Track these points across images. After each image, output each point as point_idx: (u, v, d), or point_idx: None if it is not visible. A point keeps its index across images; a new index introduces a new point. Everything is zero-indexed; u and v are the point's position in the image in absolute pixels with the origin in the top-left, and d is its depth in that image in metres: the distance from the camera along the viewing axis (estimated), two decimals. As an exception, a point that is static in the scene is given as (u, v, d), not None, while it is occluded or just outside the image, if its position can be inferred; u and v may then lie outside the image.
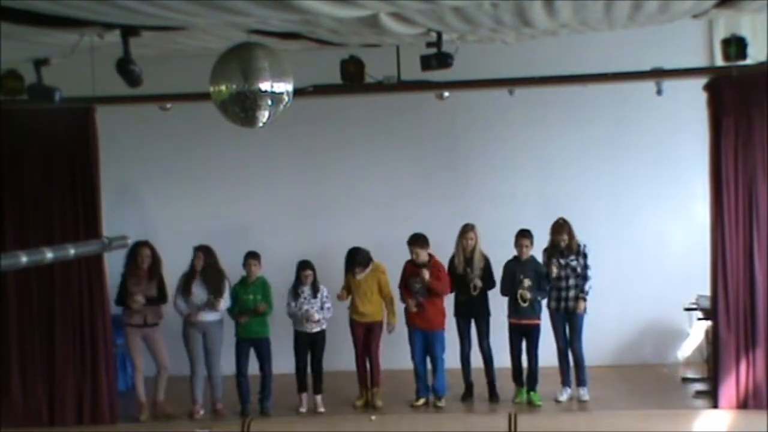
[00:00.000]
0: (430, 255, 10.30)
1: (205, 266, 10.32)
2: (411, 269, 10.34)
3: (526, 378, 10.29)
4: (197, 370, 10.36)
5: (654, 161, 11.79)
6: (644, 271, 11.75)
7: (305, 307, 10.22)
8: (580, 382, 10.29)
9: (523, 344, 10.29)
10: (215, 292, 10.24)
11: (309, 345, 10.32)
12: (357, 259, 10.36)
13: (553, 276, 10.20)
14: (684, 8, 8.40)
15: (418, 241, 10.28)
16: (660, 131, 11.69)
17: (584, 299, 10.20)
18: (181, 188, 12.22)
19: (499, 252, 10.41)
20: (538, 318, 10.28)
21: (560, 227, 10.25)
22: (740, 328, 9.74)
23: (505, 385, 10.37)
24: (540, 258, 10.37)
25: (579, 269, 10.22)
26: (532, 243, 10.26)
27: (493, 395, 10.40)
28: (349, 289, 10.41)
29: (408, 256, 10.38)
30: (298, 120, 10.84)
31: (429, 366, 10.42)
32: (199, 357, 10.33)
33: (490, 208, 11.60)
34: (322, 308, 10.29)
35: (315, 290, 10.31)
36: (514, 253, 10.34)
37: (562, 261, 10.23)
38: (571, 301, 10.24)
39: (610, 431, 9.40)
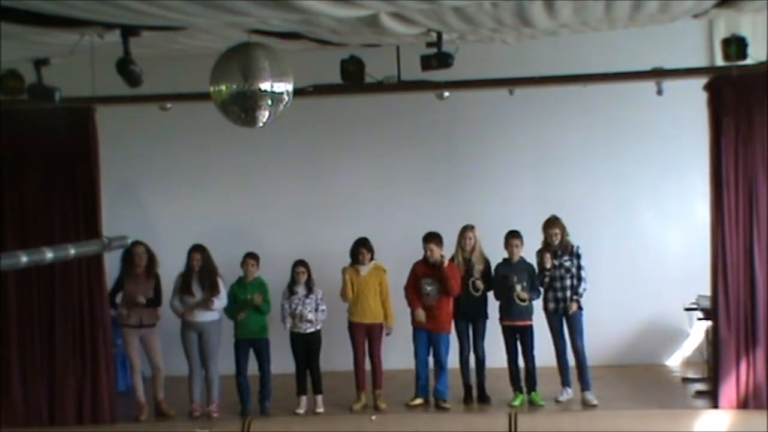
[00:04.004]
0: (442, 256, 10.27)
1: (201, 266, 10.32)
2: (422, 269, 10.30)
3: (524, 379, 10.27)
4: (195, 371, 10.35)
5: (654, 161, 11.80)
6: (644, 271, 11.75)
7: (299, 308, 10.22)
8: (585, 385, 10.21)
9: (519, 346, 10.27)
10: (210, 290, 10.22)
11: (305, 346, 10.31)
12: (367, 245, 10.31)
13: (547, 267, 10.18)
14: (684, 8, 8.40)
15: (434, 237, 10.22)
16: (660, 131, 11.69)
17: (576, 301, 10.17)
18: (181, 188, 12.23)
19: (499, 253, 10.39)
20: (531, 318, 10.27)
21: (552, 222, 10.23)
22: (740, 327, 9.74)
23: (506, 385, 10.36)
24: (532, 259, 10.34)
25: (573, 269, 10.20)
26: (522, 243, 10.26)
27: (484, 397, 10.36)
28: (351, 288, 10.35)
29: (412, 257, 10.34)
30: (298, 120, 10.84)
31: (430, 367, 10.39)
32: (195, 358, 10.33)
33: (490, 208, 11.61)
34: (316, 309, 10.27)
35: (309, 290, 10.31)
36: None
37: (556, 261, 10.22)
38: (567, 301, 10.22)
39: (611, 431, 9.40)
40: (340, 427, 9.96)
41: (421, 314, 10.22)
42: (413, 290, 10.29)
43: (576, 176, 11.88)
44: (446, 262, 10.16)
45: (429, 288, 10.22)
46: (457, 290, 10.23)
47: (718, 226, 9.75)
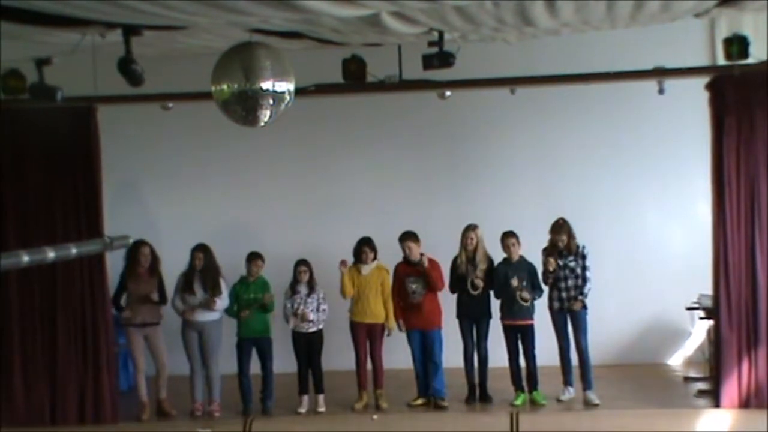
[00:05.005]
0: (422, 254, 10.27)
1: (204, 266, 10.32)
2: (404, 269, 10.32)
3: (526, 379, 10.27)
4: (196, 370, 10.35)
5: (656, 160, 11.79)
6: (646, 271, 11.75)
7: (301, 307, 10.23)
8: (587, 384, 10.20)
9: (519, 346, 10.27)
10: (212, 290, 10.22)
11: (307, 345, 10.31)
12: (371, 244, 10.32)
13: (551, 270, 10.17)
14: (686, 7, 8.40)
15: (410, 236, 10.27)
16: (662, 130, 11.69)
17: (580, 300, 10.17)
18: (182, 187, 12.23)
19: (500, 252, 10.37)
20: (532, 318, 10.26)
21: (559, 227, 10.25)
22: (742, 327, 9.73)
23: (507, 384, 10.36)
24: (535, 258, 10.33)
25: (578, 270, 10.20)
26: (518, 242, 10.26)
27: (485, 396, 10.36)
28: (352, 286, 10.35)
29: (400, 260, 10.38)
30: (299, 119, 10.83)
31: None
32: (196, 357, 10.33)
33: (492, 208, 11.60)
34: (318, 309, 10.27)
35: (311, 289, 10.31)
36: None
37: (561, 262, 10.21)
38: (572, 300, 10.22)
39: (612, 431, 9.40)
40: (342, 427, 9.96)
41: (401, 324, 10.30)
42: (397, 298, 10.32)
43: (577, 175, 11.88)
44: (426, 260, 10.17)
45: (414, 286, 10.24)
46: (442, 284, 10.27)
47: (720, 226, 9.75)
